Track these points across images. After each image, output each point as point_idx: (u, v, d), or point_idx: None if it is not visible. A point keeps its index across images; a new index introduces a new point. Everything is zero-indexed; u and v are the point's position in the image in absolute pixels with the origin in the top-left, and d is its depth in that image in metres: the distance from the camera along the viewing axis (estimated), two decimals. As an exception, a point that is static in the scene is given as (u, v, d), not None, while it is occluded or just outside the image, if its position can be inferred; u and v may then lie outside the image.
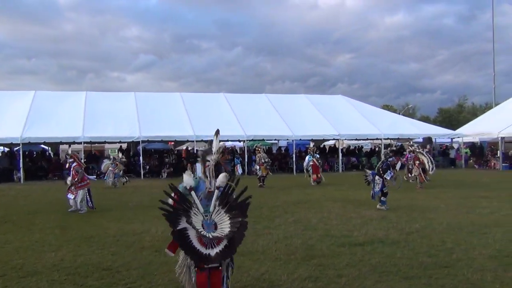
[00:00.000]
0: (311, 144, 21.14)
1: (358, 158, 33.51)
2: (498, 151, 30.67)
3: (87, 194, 12.39)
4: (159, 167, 28.52)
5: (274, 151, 35.90)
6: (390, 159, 12.05)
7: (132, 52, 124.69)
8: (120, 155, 23.37)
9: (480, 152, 33.31)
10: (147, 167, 28.16)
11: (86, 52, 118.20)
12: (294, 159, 29.24)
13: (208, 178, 4.76)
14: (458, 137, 33.33)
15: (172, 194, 4.68)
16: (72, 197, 12.35)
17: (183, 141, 32.86)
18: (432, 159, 18.05)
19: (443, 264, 6.16)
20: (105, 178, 20.43)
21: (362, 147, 38.14)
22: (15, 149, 27.69)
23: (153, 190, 17.93)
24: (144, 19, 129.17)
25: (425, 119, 58.74)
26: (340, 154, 30.97)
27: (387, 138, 31.05)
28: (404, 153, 19.69)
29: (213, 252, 4.47)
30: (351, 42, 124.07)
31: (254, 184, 18.25)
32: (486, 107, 60.61)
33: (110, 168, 20.27)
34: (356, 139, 34.48)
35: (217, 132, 5.03)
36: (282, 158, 32.63)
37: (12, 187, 21.26)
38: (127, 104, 29.35)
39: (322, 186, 18.51)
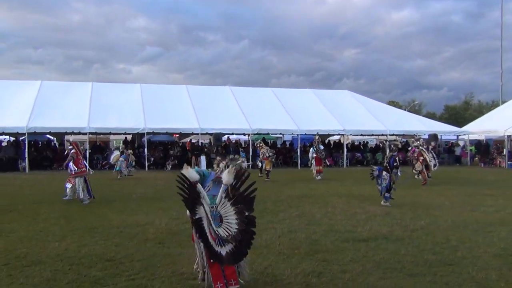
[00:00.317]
0: (316, 136, 21.01)
1: (363, 153, 33.43)
2: (504, 149, 30.50)
3: (86, 183, 12.45)
4: (163, 159, 28.55)
5: (279, 145, 35.88)
6: (395, 153, 11.98)
7: (139, 43, 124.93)
8: (123, 146, 23.31)
9: (485, 150, 33.12)
10: (152, 159, 28.19)
11: (92, 42, 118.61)
12: (298, 153, 29.19)
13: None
14: (464, 135, 33.20)
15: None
16: (70, 186, 12.46)
17: (188, 134, 32.86)
18: (434, 155, 17.98)
19: (448, 262, 6.12)
20: (117, 168, 20.42)
21: (367, 142, 38.04)
22: (21, 138, 27.75)
23: (157, 182, 17.98)
24: (150, 9, 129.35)
25: (431, 116, 58.59)
26: (345, 150, 30.90)
27: (393, 134, 30.95)
28: (409, 148, 19.64)
29: (223, 251, 4.54)
30: (358, 37, 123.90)
31: (256, 177, 18.26)
32: (493, 105, 60.29)
33: (121, 159, 20.40)
34: (361, 135, 34.38)
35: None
36: (287, 152, 32.59)
37: (17, 176, 21.35)
38: (133, 96, 29.36)
39: (326, 181, 18.46)
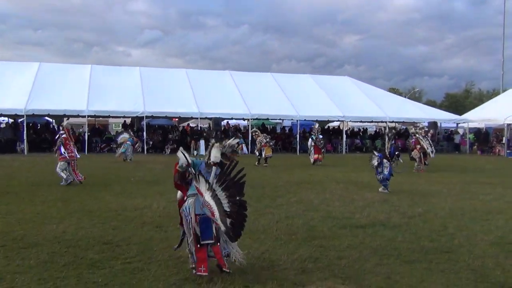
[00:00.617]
0: (316, 125, 21.00)
1: (362, 140, 33.43)
2: (503, 138, 30.48)
3: (70, 167, 12.52)
4: (162, 143, 28.52)
5: (278, 131, 35.85)
6: (393, 142, 11.92)
7: (138, 26, 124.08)
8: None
9: (485, 138, 33.11)
10: (151, 142, 28.16)
11: (92, 25, 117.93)
12: (298, 139, 29.17)
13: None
14: (464, 123, 33.15)
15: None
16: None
17: (187, 118, 32.80)
18: (431, 143, 17.94)
19: (444, 249, 6.13)
20: (122, 150, 20.51)
21: (366, 129, 38.02)
22: (19, 120, 27.69)
23: (156, 165, 17.97)
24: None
25: (431, 104, 58.44)
26: (344, 136, 30.88)
27: (392, 121, 30.91)
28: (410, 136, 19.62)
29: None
30: (359, 23, 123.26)
31: (252, 165, 18.25)
32: (493, 93, 60.10)
33: (128, 142, 20.49)
34: (361, 121, 34.34)
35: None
36: (286, 138, 32.58)
37: (16, 158, 21.33)
38: (132, 79, 29.23)
39: (325, 167, 18.46)
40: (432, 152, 17.56)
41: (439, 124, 31.84)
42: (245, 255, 5.25)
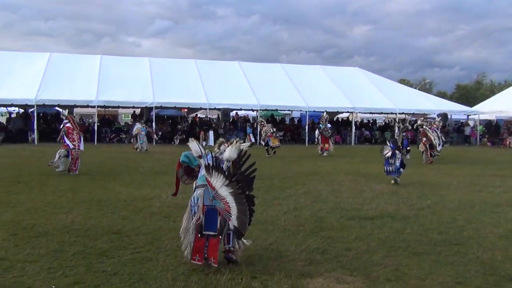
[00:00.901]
0: (324, 114, 20.97)
1: (371, 131, 33.28)
2: (515, 130, 30.21)
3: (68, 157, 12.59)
4: (171, 134, 28.60)
5: (287, 122, 35.78)
6: (404, 133, 11.84)
7: (148, 16, 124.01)
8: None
9: (495, 130, 32.82)
10: (160, 133, 28.24)
11: (102, 15, 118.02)
12: (306, 130, 29.09)
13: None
14: (475, 114, 32.85)
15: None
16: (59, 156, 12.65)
17: (196, 108, 32.83)
18: (440, 135, 17.78)
19: (453, 242, 6.10)
20: (141, 142, 20.72)
21: (375, 120, 37.83)
22: (30, 110, 27.87)
23: (165, 156, 18.02)
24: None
25: (442, 95, 57.96)
26: (354, 127, 30.75)
27: (402, 113, 30.73)
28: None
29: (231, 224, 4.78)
30: (370, 14, 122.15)
31: (263, 157, 18.25)
32: (505, 85, 59.49)
33: (142, 132, 20.71)
34: (370, 113, 34.17)
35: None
36: (295, 129, 32.53)
37: (26, 148, 21.50)
38: (142, 70, 29.28)
39: (333, 158, 18.42)
40: (439, 144, 17.41)
41: (449, 116, 31.63)
42: (252, 245, 5.27)
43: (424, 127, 17.63)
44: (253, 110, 31.53)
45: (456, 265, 5.18)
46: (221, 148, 5.17)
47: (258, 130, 25.83)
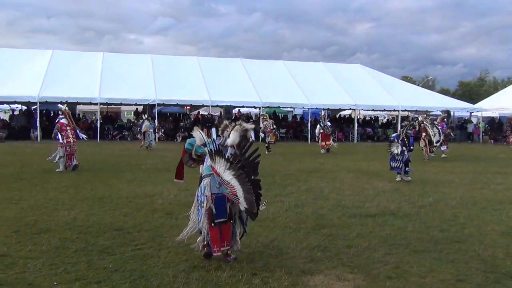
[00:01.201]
0: (322, 112, 21.06)
1: (373, 129, 33.23)
2: (517, 127, 30.07)
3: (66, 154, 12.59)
4: (174, 131, 28.61)
5: (289, 119, 35.76)
6: (409, 131, 11.82)
7: (150, 14, 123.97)
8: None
9: (498, 127, 32.72)
10: (162, 130, 28.26)
11: (104, 13, 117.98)
12: (309, 127, 29.07)
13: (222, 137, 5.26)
14: (477, 111, 32.75)
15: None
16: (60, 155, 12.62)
17: (199, 106, 32.83)
18: (440, 131, 17.74)
19: (454, 239, 6.10)
20: (150, 139, 20.86)
21: (377, 117, 37.75)
22: (33, 107, 27.92)
23: (167, 153, 18.03)
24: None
25: (445, 92, 57.80)
26: (356, 125, 30.71)
27: (405, 110, 30.67)
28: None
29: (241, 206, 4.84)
30: (372, 11, 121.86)
31: (262, 151, 18.24)
32: (508, 82, 59.30)
33: (150, 130, 20.88)
34: (373, 110, 34.10)
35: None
36: (297, 126, 32.51)
37: (29, 145, 21.56)
38: (144, 67, 29.28)
39: (336, 156, 18.41)
40: (438, 141, 17.37)
41: (452, 113, 31.53)
42: (254, 243, 5.28)
43: (424, 123, 17.61)
44: (255, 107, 31.52)
45: (457, 262, 5.19)
46: (225, 133, 5.25)
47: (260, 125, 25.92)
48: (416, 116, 32.50)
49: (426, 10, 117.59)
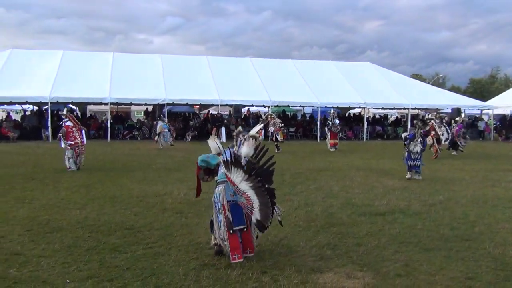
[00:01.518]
0: (331, 110, 21.10)
1: (383, 127, 33.09)
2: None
3: (75, 155, 12.72)
4: (183, 130, 28.69)
5: (299, 118, 35.71)
6: (422, 131, 11.80)
7: (159, 14, 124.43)
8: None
9: (510, 124, 32.41)
10: (172, 129, 28.33)
11: (114, 13, 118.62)
12: (318, 126, 29.01)
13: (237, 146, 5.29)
14: (489, 109, 32.48)
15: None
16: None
17: (208, 105, 32.90)
18: (448, 130, 17.64)
19: (465, 237, 6.08)
20: (165, 139, 21.10)
21: (386, 115, 37.57)
22: (44, 108, 28.15)
23: (177, 153, 18.12)
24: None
25: (456, 90, 57.40)
26: (366, 123, 30.60)
27: (415, 108, 30.48)
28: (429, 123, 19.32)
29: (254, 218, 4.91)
30: (381, 9, 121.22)
31: (272, 149, 18.24)
32: (520, 79, 58.69)
33: (165, 130, 21.17)
34: (382, 108, 33.94)
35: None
36: (307, 125, 32.45)
37: (41, 145, 21.75)
38: (154, 67, 29.38)
39: (345, 154, 18.37)
40: (446, 139, 17.32)
41: (463, 111, 31.31)
42: (263, 241, 5.30)
43: (432, 121, 17.55)
44: (264, 106, 31.50)
45: (467, 260, 5.18)
46: (239, 140, 5.27)
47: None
48: (427, 114, 32.43)
49: (435, 7, 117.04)
